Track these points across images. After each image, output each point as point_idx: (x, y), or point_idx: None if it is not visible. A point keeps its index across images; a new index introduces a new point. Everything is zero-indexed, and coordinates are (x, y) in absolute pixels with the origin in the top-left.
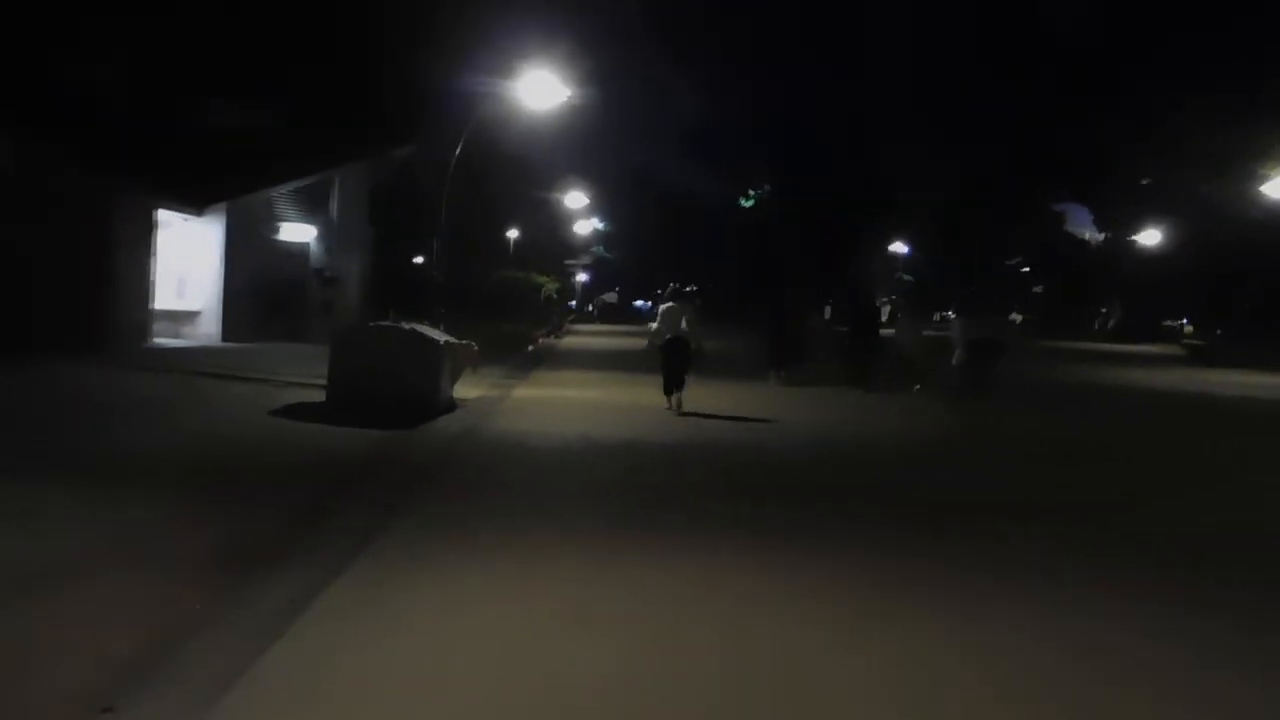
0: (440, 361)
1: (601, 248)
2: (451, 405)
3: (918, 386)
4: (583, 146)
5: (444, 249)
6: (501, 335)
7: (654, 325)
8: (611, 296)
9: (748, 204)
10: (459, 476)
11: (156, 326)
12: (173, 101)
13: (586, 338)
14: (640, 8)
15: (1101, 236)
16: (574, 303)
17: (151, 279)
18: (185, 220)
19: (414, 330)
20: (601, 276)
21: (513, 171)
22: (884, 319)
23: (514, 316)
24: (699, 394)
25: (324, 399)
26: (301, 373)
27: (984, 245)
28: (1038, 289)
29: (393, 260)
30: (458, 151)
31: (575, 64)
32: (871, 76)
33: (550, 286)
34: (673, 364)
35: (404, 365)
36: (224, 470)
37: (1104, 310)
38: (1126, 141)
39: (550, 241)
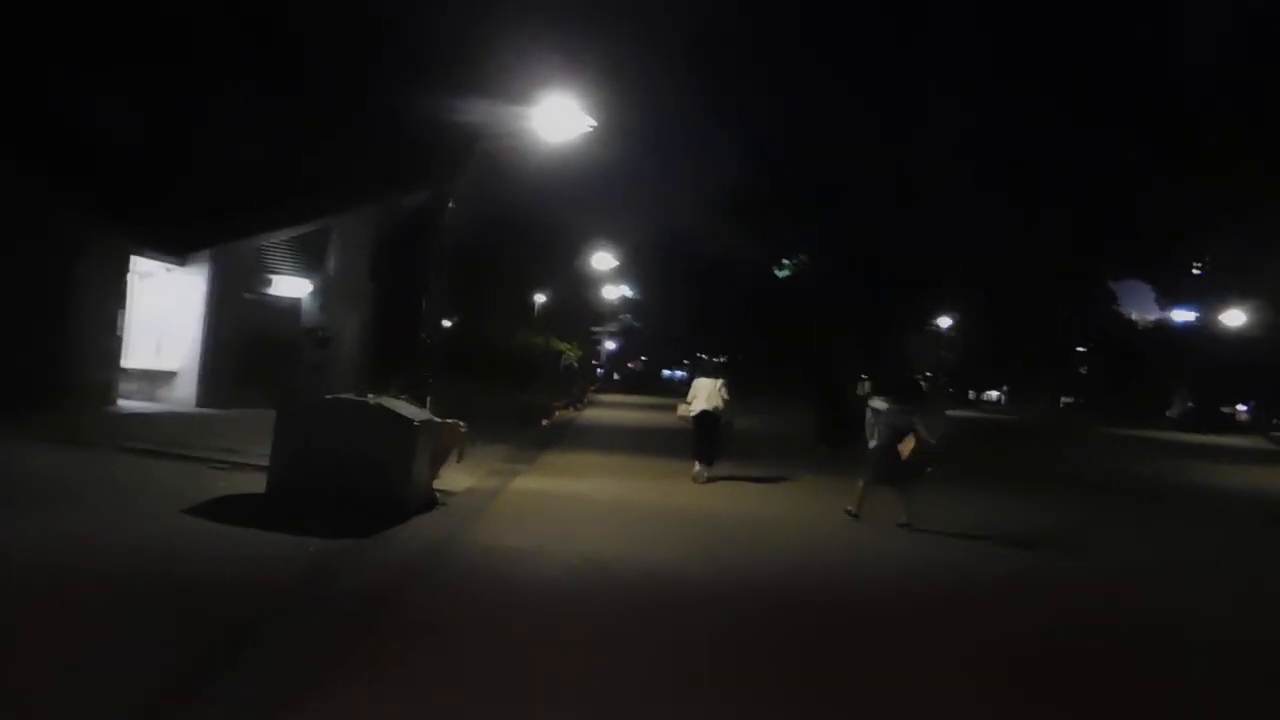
0: (413, 446)
1: (629, 316)
2: (430, 501)
3: (930, 469)
4: (614, 212)
5: (434, 305)
6: (514, 407)
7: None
8: (638, 365)
9: (783, 274)
10: (395, 653)
11: (129, 387)
12: (155, 138)
13: (610, 410)
14: (680, 70)
15: (1151, 318)
16: (601, 370)
17: (120, 334)
18: (169, 270)
19: (380, 406)
20: (630, 345)
21: (540, 232)
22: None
23: (531, 386)
24: (745, 483)
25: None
26: (265, 450)
27: (1036, 321)
28: (1083, 370)
29: (397, 320)
30: (457, 187)
31: (606, 121)
32: (923, 138)
33: (572, 355)
34: (702, 437)
35: (366, 450)
36: (52, 611)
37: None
38: (1203, 217)
39: (576, 306)
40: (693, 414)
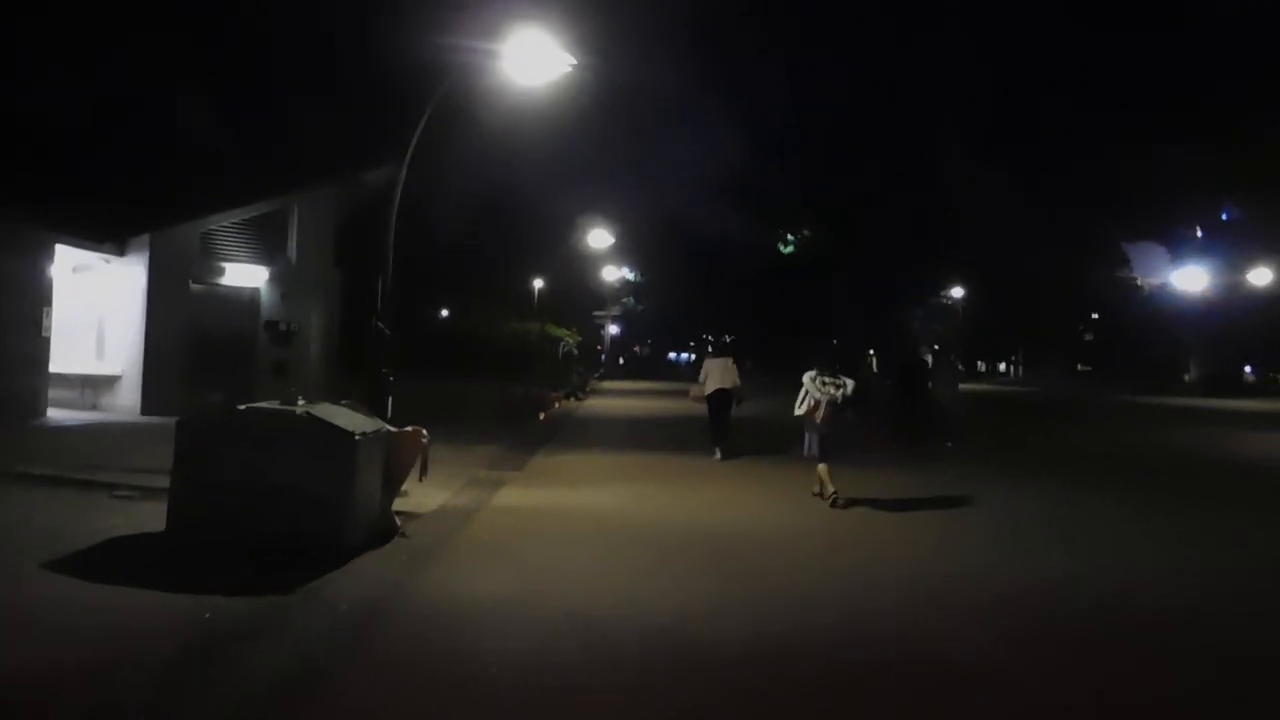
0: (354, 465)
1: (631, 299)
2: (385, 530)
3: (949, 443)
4: (613, 194)
5: (389, 289)
6: (507, 401)
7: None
8: (643, 350)
9: (787, 250)
10: None
11: (67, 395)
12: (79, 111)
13: (613, 399)
14: (683, 47)
15: (1159, 281)
16: (604, 356)
17: (46, 335)
18: (107, 262)
19: (310, 417)
20: (633, 328)
21: (532, 214)
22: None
23: (527, 376)
24: (763, 478)
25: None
26: None
27: (1048, 287)
28: (1088, 337)
29: (367, 311)
30: (413, 141)
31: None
32: (925, 101)
33: (571, 340)
34: (717, 415)
35: (292, 474)
36: None
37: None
38: (1218, 176)
39: (576, 291)
40: (706, 394)
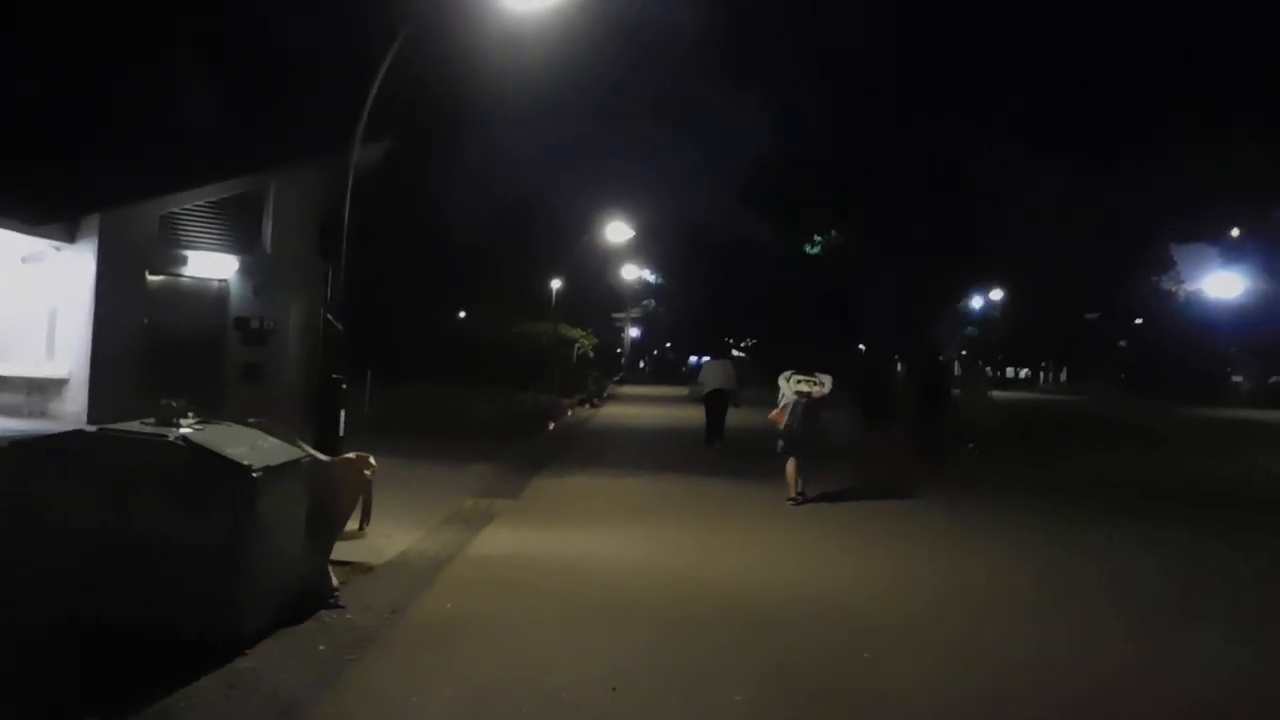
0: (251, 512)
1: (653, 301)
2: (316, 592)
3: (972, 445)
4: (637, 194)
5: (341, 277)
6: (514, 409)
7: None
8: (665, 353)
9: (814, 251)
10: None
11: (11, 401)
12: (25, 73)
13: (631, 406)
14: (707, 46)
15: (1196, 288)
16: (624, 360)
17: None
18: (58, 250)
19: (188, 443)
20: (655, 331)
21: (552, 211)
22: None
23: (538, 381)
24: (817, 515)
25: None
26: None
27: (1092, 290)
28: (1122, 344)
29: (354, 307)
30: (374, 87)
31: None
32: (963, 95)
33: (586, 343)
34: (713, 414)
35: (164, 525)
36: None
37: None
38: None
39: (594, 290)
40: (705, 392)
